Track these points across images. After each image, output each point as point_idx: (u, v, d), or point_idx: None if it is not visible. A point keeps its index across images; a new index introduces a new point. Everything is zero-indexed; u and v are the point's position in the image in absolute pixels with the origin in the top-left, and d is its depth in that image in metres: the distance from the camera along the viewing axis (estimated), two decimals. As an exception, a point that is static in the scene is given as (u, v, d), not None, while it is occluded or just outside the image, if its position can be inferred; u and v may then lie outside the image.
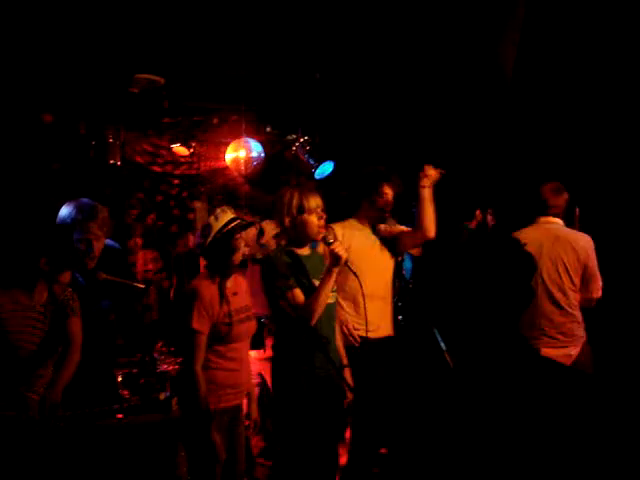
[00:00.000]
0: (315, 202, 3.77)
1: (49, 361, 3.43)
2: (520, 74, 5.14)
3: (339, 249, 3.61)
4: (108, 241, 4.10)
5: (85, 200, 3.84)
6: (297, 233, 3.79)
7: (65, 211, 3.79)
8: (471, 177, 5.34)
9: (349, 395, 3.90)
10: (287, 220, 3.77)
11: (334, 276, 3.67)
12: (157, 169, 6.05)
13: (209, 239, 3.55)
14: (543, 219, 4.44)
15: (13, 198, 5.00)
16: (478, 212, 5.42)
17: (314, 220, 3.76)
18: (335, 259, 3.61)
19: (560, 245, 4.35)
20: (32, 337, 3.34)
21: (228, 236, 3.55)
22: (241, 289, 3.74)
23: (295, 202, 3.75)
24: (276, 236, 3.94)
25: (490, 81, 5.23)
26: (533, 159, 4.64)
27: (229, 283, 3.64)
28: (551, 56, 5.13)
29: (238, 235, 3.57)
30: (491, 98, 5.34)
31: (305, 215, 3.75)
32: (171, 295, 4.80)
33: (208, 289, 3.53)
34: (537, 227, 4.43)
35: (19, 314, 3.31)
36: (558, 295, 4.34)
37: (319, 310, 3.66)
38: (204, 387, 3.47)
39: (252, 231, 4.36)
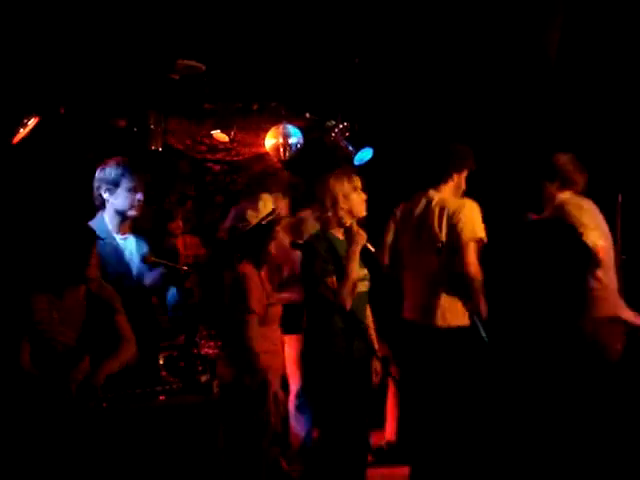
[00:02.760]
0: (359, 182, 3.89)
1: (86, 356, 3.54)
2: (564, 57, 5.07)
3: (359, 229, 3.71)
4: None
5: (118, 158, 4.23)
6: (344, 213, 3.86)
7: (108, 171, 4.14)
8: (509, 162, 5.27)
9: (378, 377, 3.96)
10: (341, 197, 3.83)
11: (357, 256, 3.74)
12: (197, 155, 6.08)
13: (249, 227, 3.64)
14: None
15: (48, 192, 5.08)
16: None
17: (361, 200, 3.87)
18: (355, 238, 3.71)
19: None
20: (66, 336, 3.44)
21: (269, 226, 3.63)
22: (266, 275, 3.91)
23: (347, 183, 3.85)
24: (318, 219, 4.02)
25: (534, 65, 5.16)
26: (573, 143, 4.56)
27: (263, 269, 3.80)
28: (596, 39, 5.04)
29: (278, 227, 3.73)
30: (534, 82, 5.26)
31: (354, 195, 3.85)
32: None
33: (254, 273, 3.65)
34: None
35: (54, 314, 3.43)
36: None
37: (349, 294, 3.71)
38: (260, 362, 3.54)
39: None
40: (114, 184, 4.13)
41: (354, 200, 3.87)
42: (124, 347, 3.63)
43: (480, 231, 4.08)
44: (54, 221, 3.67)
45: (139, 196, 4.19)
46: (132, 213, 4.20)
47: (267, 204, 3.68)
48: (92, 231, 3.71)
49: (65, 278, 3.52)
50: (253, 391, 3.57)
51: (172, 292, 4.39)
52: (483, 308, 4.00)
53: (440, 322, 4.10)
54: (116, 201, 4.16)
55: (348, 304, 3.73)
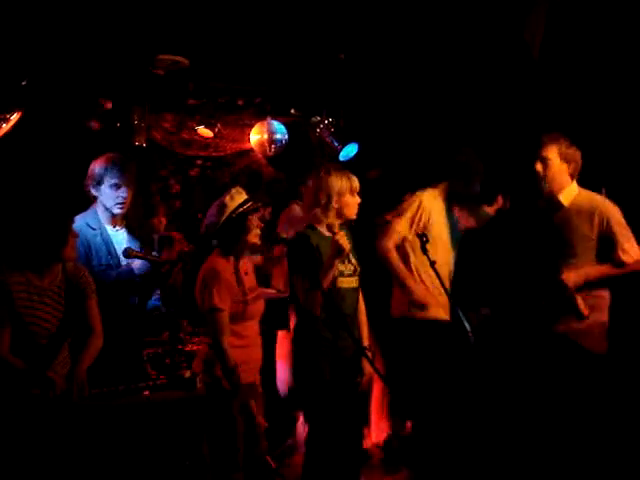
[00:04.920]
0: (357, 184, 3.83)
1: (65, 342, 3.54)
2: (548, 52, 5.07)
3: (343, 240, 3.66)
4: None
5: (115, 154, 4.26)
6: (336, 214, 3.84)
7: (94, 167, 4.17)
8: (496, 159, 5.28)
9: (367, 374, 3.95)
10: (335, 199, 3.81)
11: (335, 267, 3.73)
12: (181, 151, 6.05)
13: (223, 218, 3.62)
14: None
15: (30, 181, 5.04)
16: (500, 197, 5.37)
17: (354, 202, 3.86)
18: (338, 250, 3.67)
19: None
20: (45, 318, 3.42)
21: (243, 216, 3.61)
22: (250, 269, 3.84)
23: (345, 183, 3.83)
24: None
25: (516, 59, 5.17)
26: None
27: (241, 263, 3.73)
28: (580, 34, 5.05)
29: (251, 216, 3.67)
30: (517, 76, 5.27)
31: (349, 196, 3.84)
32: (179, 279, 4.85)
33: (224, 268, 3.61)
34: None
35: (33, 296, 3.39)
36: None
37: (319, 299, 3.71)
38: (232, 361, 3.52)
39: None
40: (98, 181, 4.16)
41: (347, 201, 3.84)
42: (96, 336, 3.60)
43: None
44: (32, 201, 3.63)
45: (122, 193, 4.17)
46: (116, 210, 4.21)
47: (236, 197, 3.65)
48: (70, 212, 3.69)
49: (41, 255, 3.47)
50: (222, 386, 3.55)
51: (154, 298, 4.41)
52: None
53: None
54: (101, 197, 4.19)
55: (316, 310, 3.75)
